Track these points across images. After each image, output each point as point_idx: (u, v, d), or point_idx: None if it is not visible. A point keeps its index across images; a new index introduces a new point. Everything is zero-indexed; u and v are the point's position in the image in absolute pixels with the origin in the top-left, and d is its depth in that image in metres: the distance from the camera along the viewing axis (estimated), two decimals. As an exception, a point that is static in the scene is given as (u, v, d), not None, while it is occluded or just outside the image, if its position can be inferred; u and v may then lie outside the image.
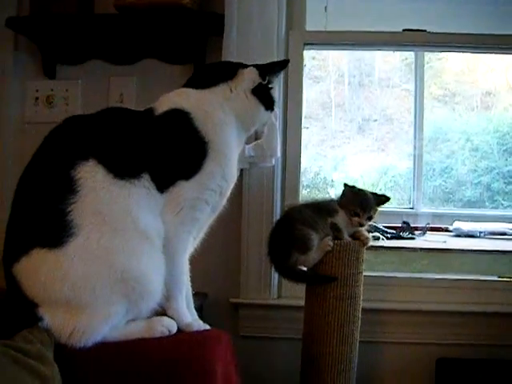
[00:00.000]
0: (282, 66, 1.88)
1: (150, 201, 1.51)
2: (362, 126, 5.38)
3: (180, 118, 1.59)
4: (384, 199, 2.05)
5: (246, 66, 1.76)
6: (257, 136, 1.82)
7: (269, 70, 1.76)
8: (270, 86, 1.76)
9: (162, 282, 1.53)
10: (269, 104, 1.76)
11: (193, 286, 1.70)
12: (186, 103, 1.62)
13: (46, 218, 1.42)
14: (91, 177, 1.45)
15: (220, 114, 1.64)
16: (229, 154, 1.63)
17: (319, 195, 4.72)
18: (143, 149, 1.53)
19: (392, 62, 5.49)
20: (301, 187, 2.58)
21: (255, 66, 1.76)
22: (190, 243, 1.63)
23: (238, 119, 1.69)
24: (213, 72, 1.76)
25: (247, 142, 2.05)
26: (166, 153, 1.55)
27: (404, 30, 2.62)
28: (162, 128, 1.58)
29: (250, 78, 1.72)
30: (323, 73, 5.43)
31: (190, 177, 1.56)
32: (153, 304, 1.53)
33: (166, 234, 1.54)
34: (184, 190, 1.55)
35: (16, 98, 2.64)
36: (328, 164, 5.26)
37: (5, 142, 2.61)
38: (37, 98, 2.62)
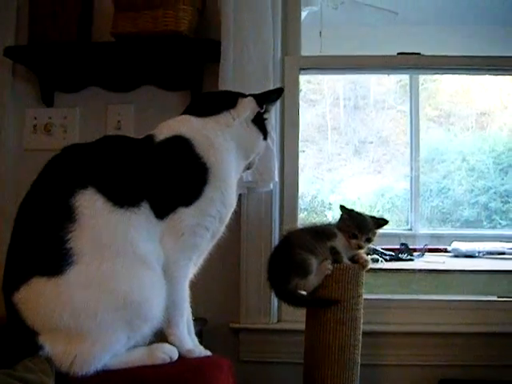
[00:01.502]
0: (277, 94, 1.90)
1: (149, 228, 1.51)
2: (358, 148, 5.41)
3: (181, 145, 1.60)
4: (382, 222, 2.05)
5: (245, 95, 1.78)
6: (249, 166, 1.84)
7: (266, 99, 1.79)
8: (265, 116, 1.79)
9: (163, 306, 1.52)
10: (265, 134, 1.80)
11: (192, 312, 1.69)
12: (186, 130, 1.63)
13: (45, 246, 1.42)
14: (90, 205, 1.45)
15: (221, 140, 1.65)
16: (229, 180, 1.65)
17: (317, 218, 4.72)
18: (143, 176, 1.53)
19: (387, 85, 5.54)
20: (298, 211, 2.59)
21: (252, 95, 1.78)
22: (190, 269, 1.63)
23: (239, 147, 1.71)
24: (213, 100, 1.78)
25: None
26: (167, 179, 1.55)
27: (398, 54, 2.65)
28: (163, 154, 1.58)
29: (250, 107, 1.75)
30: (318, 96, 5.47)
31: (191, 203, 1.56)
32: (154, 329, 1.52)
33: (166, 260, 1.54)
34: (184, 216, 1.55)
35: (14, 125, 2.64)
36: (325, 187, 5.28)
37: (3, 170, 2.61)
38: (35, 126, 2.63)
